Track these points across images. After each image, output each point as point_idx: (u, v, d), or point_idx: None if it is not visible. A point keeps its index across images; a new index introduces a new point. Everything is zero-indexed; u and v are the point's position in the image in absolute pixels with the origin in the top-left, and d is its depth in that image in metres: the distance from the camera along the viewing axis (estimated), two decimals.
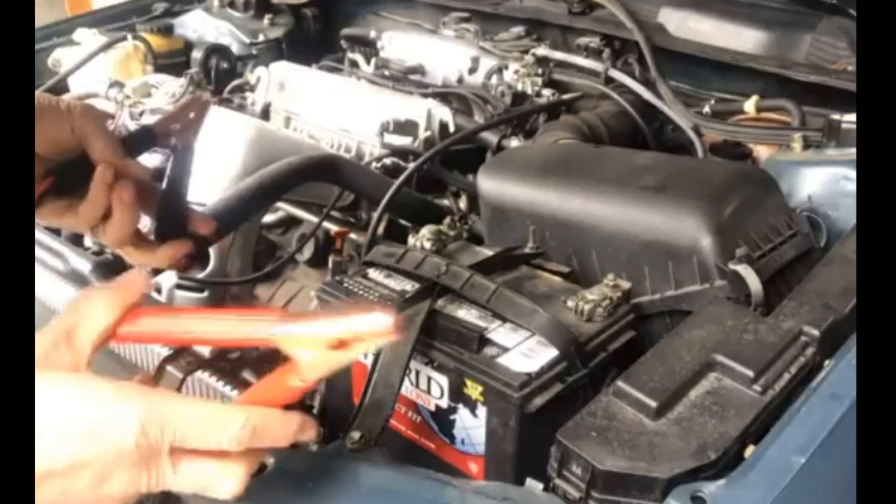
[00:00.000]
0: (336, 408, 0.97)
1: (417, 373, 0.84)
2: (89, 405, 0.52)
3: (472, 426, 0.81)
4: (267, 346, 0.57)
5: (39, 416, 0.51)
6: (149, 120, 1.44)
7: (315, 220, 1.30)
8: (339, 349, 0.56)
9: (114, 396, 0.53)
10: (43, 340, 0.56)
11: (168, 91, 1.63)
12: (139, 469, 0.54)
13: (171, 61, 1.90)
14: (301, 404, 0.99)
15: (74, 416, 0.52)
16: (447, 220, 1.08)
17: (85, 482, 0.52)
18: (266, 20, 2.05)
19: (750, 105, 1.48)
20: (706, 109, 1.51)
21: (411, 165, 1.29)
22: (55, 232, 1.18)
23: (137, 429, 0.52)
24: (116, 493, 0.54)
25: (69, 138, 0.76)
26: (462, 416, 0.81)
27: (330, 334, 0.55)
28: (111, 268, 1.10)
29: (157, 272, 1.01)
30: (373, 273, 0.93)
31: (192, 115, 0.81)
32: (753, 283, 0.90)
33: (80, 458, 0.52)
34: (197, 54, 1.84)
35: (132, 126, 1.53)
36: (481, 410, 0.79)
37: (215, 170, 1.20)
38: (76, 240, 1.21)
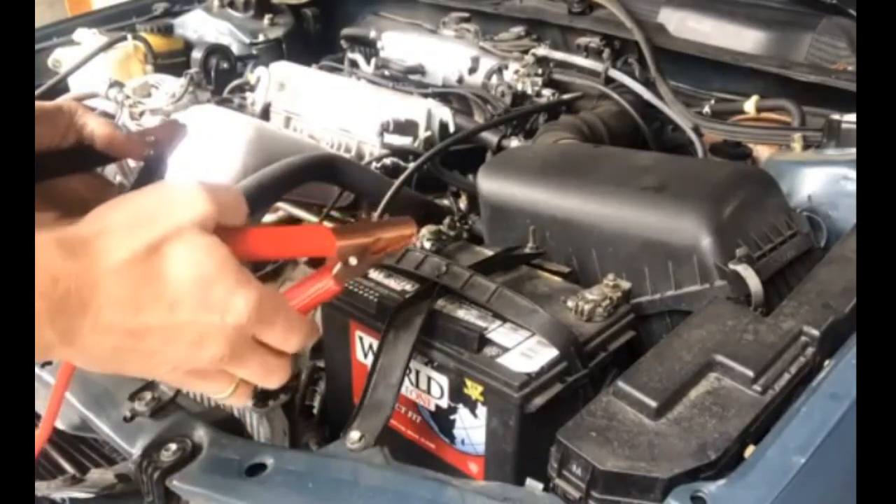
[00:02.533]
0: (336, 408, 0.97)
1: (417, 373, 0.84)
2: (219, 277, 0.57)
3: (472, 426, 0.81)
4: (325, 254, 0.65)
5: (174, 270, 0.55)
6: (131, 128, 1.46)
7: (315, 220, 1.30)
8: (375, 253, 0.66)
9: (239, 278, 0.58)
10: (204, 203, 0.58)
11: (168, 91, 1.63)
12: (228, 346, 0.58)
13: (171, 61, 1.90)
14: (301, 405, 0.99)
15: (202, 283, 0.56)
16: (447, 220, 1.08)
17: (185, 340, 0.57)
18: (266, 20, 2.05)
19: (750, 105, 1.48)
20: (706, 109, 1.51)
21: (411, 165, 1.29)
22: None
23: (248, 313, 0.58)
24: (204, 360, 0.58)
25: (63, 138, 0.76)
26: (462, 416, 0.81)
27: (373, 239, 0.66)
28: None
29: None
30: (373, 273, 0.93)
31: (167, 134, 0.83)
32: (753, 283, 0.90)
33: (191, 318, 0.56)
34: (197, 54, 1.83)
35: (132, 126, 1.53)
36: (481, 410, 0.79)
37: (215, 170, 1.20)
38: None
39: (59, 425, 0.87)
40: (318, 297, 0.66)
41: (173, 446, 0.76)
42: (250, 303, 0.58)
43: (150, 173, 0.82)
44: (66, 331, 0.53)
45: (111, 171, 1.39)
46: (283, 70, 1.66)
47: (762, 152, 1.37)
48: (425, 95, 1.59)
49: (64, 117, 0.75)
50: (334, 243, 0.64)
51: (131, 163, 1.41)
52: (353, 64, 1.83)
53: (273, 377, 0.63)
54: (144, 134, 0.82)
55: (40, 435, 0.71)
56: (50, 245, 0.53)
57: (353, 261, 0.65)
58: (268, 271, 1.29)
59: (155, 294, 0.55)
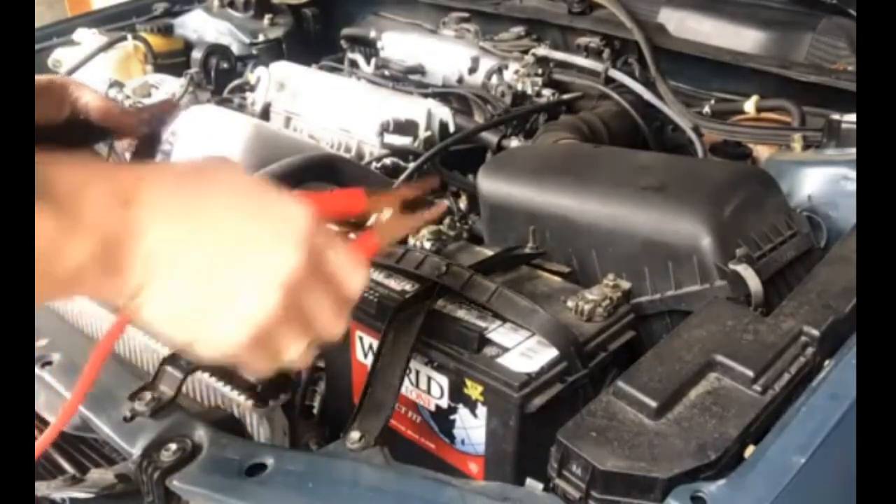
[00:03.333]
0: (336, 408, 0.97)
1: (417, 373, 0.84)
2: (267, 191, 0.58)
3: (472, 426, 0.81)
4: (361, 209, 0.69)
5: (223, 181, 0.57)
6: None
7: None
8: (408, 214, 0.71)
9: (288, 195, 0.58)
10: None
11: (168, 91, 1.63)
12: (303, 252, 0.56)
13: (171, 61, 1.90)
14: (301, 405, 0.99)
15: (253, 193, 0.57)
16: (447, 220, 1.08)
17: (260, 242, 0.56)
18: (266, 20, 2.05)
19: (750, 105, 1.48)
20: (706, 109, 1.51)
21: (411, 165, 1.29)
22: None
23: (309, 219, 0.57)
24: (286, 270, 0.56)
25: (58, 111, 0.76)
26: (462, 416, 0.81)
27: (402, 195, 0.72)
28: None
29: None
30: (373, 273, 0.93)
31: (161, 112, 0.85)
32: (753, 283, 0.90)
33: (255, 224, 0.56)
34: (197, 54, 1.84)
35: None
36: (481, 410, 0.79)
37: None
38: None
39: None
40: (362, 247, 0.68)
41: (173, 446, 0.76)
42: (308, 211, 0.58)
43: (145, 150, 0.83)
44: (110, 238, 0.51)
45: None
46: (283, 70, 1.66)
47: (762, 152, 1.37)
48: (425, 95, 1.59)
49: (56, 90, 0.75)
50: (363, 197, 0.69)
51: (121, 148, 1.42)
52: (353, 64, 1.83)
53: (341, 320, 0.61)
54: (137, 112, 0.83)
55: (67, 409, 0.71)
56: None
57: (387, 213, 0.70)
58: None
59: (209, 195, 0.56)
